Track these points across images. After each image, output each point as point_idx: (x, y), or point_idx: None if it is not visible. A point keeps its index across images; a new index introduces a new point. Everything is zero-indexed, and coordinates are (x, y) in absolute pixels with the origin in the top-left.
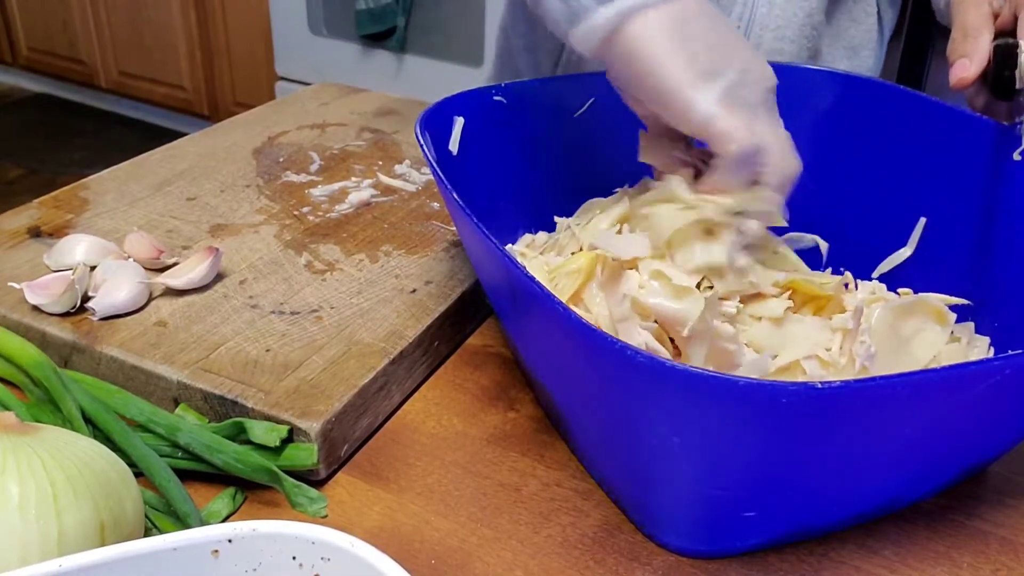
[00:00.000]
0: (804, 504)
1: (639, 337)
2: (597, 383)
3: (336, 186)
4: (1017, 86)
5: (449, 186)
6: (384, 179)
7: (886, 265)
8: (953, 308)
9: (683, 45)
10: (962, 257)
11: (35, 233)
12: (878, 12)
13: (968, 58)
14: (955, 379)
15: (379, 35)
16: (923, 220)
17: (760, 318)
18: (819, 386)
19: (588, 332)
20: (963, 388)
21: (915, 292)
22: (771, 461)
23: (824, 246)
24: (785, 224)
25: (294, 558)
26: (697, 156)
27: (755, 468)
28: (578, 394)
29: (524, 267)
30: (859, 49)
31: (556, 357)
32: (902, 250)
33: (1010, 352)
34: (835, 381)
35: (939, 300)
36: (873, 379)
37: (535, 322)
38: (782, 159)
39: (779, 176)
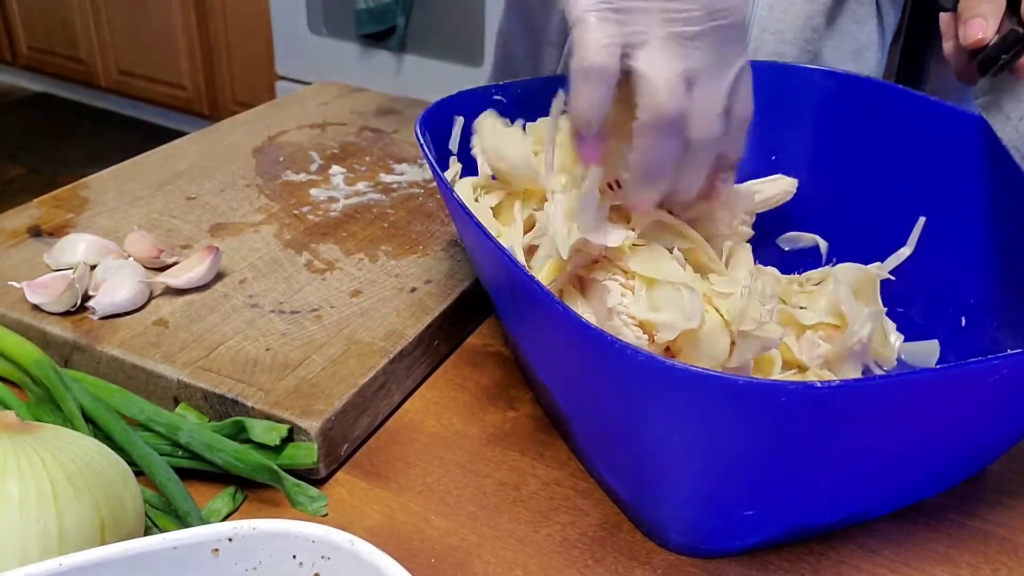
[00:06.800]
0: (803, 503)
1: (631, 334)
2: (597, 383)
3: (335, 185)
4: (1004, 73)
5: (449, 185)
6: (384, 178)
7: (886, 265)
8: (939, 312)
9: None
10: (962, 256)
11: (35, 232)
12: (879, 13)
13: (984, 18)
14: (954, 378)
15: (379, 34)
16: (923, 219)
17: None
18: (818, 385)
19: (588, 332)
20: (962, 387)
21: (914, 291)
22: (771, 460)
23: (824, 245)
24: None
25: (294, 557)
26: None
27: (755, 467)
28: (578, 393)
29: (524, 267)
30: (862, 51)
31: (556, 356)
32: (902, 249)
33: (1009, 352)
34: (834, 380)
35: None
36: (872, 378)
37: (535, 321)
38: (657, 97)
39: (649, 113)
